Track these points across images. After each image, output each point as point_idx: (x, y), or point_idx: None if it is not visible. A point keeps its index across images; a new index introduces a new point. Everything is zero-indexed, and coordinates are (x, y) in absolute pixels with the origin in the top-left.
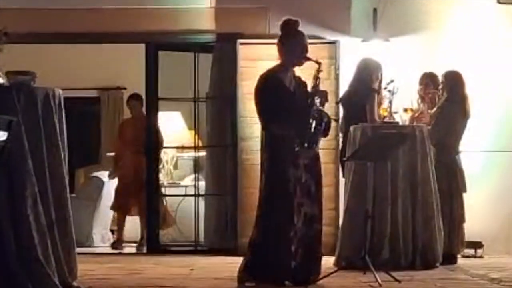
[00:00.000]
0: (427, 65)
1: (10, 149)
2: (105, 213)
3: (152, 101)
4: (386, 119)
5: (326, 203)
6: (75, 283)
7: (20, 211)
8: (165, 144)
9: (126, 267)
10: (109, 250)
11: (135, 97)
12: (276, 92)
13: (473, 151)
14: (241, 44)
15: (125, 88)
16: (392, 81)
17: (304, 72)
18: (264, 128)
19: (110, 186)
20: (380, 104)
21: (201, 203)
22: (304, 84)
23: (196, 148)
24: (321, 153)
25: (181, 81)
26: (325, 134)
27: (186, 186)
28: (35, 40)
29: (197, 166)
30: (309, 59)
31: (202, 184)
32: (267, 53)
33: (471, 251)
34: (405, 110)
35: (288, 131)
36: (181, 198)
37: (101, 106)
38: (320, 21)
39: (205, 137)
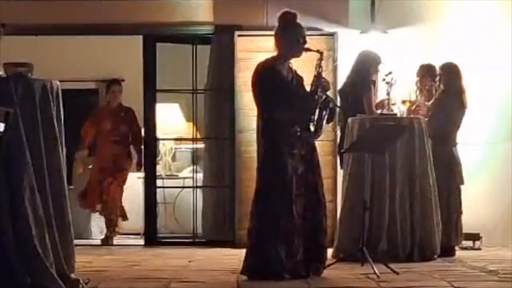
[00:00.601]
0: (425, 56)
1: (8, 141)
2: None
3: (150, 93)
4: (384, 111)
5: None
6: (73, 275)
7: (17, 203)
8: (163, 136)
9: (124, 259)
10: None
11: (118, 82)
12: (274, 80)
13: (471, 143)
14: (239, 36)
15: (123, 80)
16: (390, 72)
17: (305, 64)
18: (263, 116)
19: None
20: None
21: (199, 195)
22: (300, 78)
23: (194, 140)
24: (319, 144)
25: (179, 73)
26: (330, 120)
27: (184, 178)
28: (33, 32)
29: (195, 158)
30: (309, 49)
31: (200, 176)
32: (265, 45)
33: (469, 243)
34: (403, 102)
35: (290, 116)
36: (179, 190)
37: (99, 98)
38: (318, 13)
39: (203, 129)
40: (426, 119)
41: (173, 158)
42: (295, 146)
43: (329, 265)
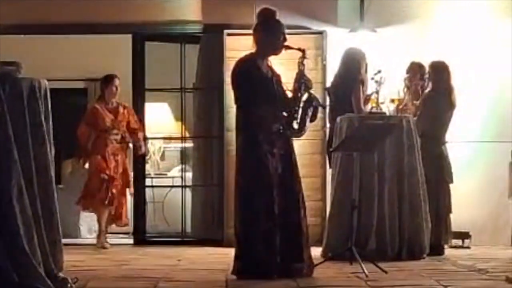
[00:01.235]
0: (414, 55)
1: None
2: None
3: (139, 92)
4: (373, 110)
5: (313, 194)
6: (61, 274)
7: (5, 202)
8: (152, 135)
9: (113, 258)
10: (95, 241)
11: (117, 77)
12: (253, 76)
13: (460, 142)
14: (228, 34)
15: None
16: (379, 71)
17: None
18: (242, 113)
19: None
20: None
21: (188, 194)
22: (278, 76)
23: (183, 139)
24: (307, 143)
25: (168, 72)
26: (313, 118)
27: (173, 177)
28: (22, 31)
29: (184, 157)
30: (289, 47)
31: (189, 175)
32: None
33: (458, 242)
34: (392, 100)
35: (270, 112)
36: (168, 189)
37: (88, 97)
38: (307, 12)
39: (192, 128)
40: (415, 118)
41: (162, 157)
42: (276, 145)
43: (317, 264)
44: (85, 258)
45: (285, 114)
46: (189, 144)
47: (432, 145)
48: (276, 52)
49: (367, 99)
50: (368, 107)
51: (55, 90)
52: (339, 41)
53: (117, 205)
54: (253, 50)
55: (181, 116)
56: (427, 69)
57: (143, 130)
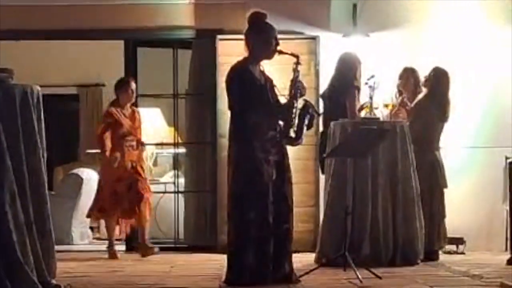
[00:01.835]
0: (407, 60)
1: None
2: (84, 211)
3: None
4: (366, 115)
5: (306, 200)
6: (54, 281)
7: None
8: (144, 141)
9: (105, 264)
10: (88, 247)
11: (133, 80)
12: (247, 82)
13: (454, 147)
14: (221, 40)
15: (104, 85)
16: (372, 76)
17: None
18: (237, 119)
19: (89, 183)
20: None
21: (181, 200)
22: (270, 80)
23: (175, 144)
24: (301, 149)
25: (160, 77)
26: (310, 126)
27: (165, 183)
28: (13, 37)
29: (176, 163)
30: (283, 52)
31: (181, 181)
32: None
33: (452, 247)
34: (386, 105)
35: (264, 119)
36: (160, 195)
37: (80, 103)
38: (299, 17)
39: (184, 133)
40: (408, 123)
41: (155, 163)
42: (271, 151)
43: (311, 270)
44: (77, 265)
45: (281, 122)
46: (181, 150)
47: (425, 150)
48: (268, 56)
49: (362, 108)
50: (362, 114)
51: (46, 96)
52: (332, 46)
53: (138, 212)
54: (246, 55)
55: (173, 122)
56: (421, 73)
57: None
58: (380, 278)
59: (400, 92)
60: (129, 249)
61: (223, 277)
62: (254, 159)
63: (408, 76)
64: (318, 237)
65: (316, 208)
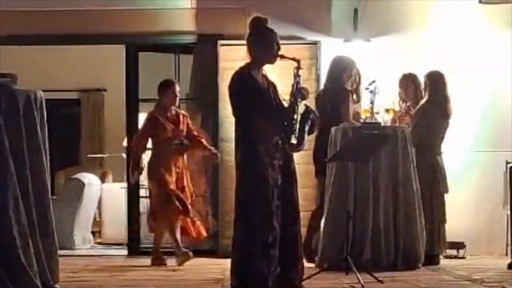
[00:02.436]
0: (408, 65)
1: None
2: (86, 215)
3: (133, 102)
4: (367, 120)
5: (307, 204)
6: (57, 286)
7: (1, 213)
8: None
9: (107, 269)
10: (90, 252)
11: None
12: (251, 89)
13: (455, 151)
14: (222, 45)
15: (105, 90)
16: (373, 81)
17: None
18: (242, 125)
19: (91, 188)
20: (355, 103)
21: None
22: (273, 85)
23: None
24: (301, 153)
25: None
26: (311, 131)
27: None
28: (16, 42)
29: None
30: (284, 57)
31: None
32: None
33: (453, 252)
34: (387, 110)
35: (269, 125)
36: None
37: (81, 108)
38: (300, 22)
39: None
40: (410, 128)
41: None
42: (275, 156)
43: (313, 275)
44: (79, 269)
45: (285, 123)
46: None
47: (427, 155)
48: (270, 61)
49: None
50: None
51: (48, 101)
52: (333, 51)
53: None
54: (248, 60)
55: None
56: (421, 79)
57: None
58: (381, 282)
59: (403, 100)
60: (131, 253)
61: (228, 282)
62: (259, 164)
63: (407, 83)
64: (320, 241)
65: None
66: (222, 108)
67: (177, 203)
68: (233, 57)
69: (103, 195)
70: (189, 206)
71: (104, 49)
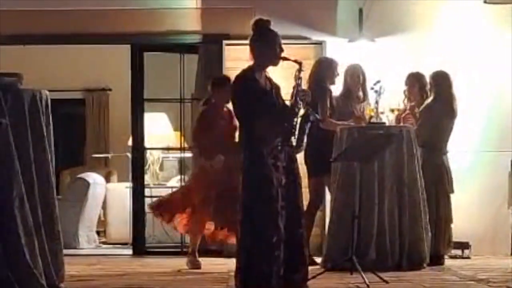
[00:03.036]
0: (413, 65)
1: None
2: (90, 215)
3: (138, 102)
4: (373, 120)
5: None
6: (62, 285)
7: (7, 212)
8: (151, 145)
9: (112, 269)
10: (95, 251)
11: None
12: (254, 91)
13: (460, 151)
14: (227, 45)
15: (110, 90)
16: (378, 81)
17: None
18: (245, 127)
19: (96, 187)
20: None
21: None
22: (276, 87)
23: (181, 149)
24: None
25: (166, 82)
26: (311, 133)
27: (172, 187)
28: (21, 42)
29: (182, 167)
30: (287, 59)
31: None
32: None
33: (458, 252)
34: (392, 110)
35: (272, 127)
36: None
37: (86, 107)
38: (306, 22)
39: (190, 138)
40: (415, 127)
41: (161, 168)
42: (279, 158)
43: (318, 275)
44: (84, 269)
45: (289, 127)
46: (188, 154)
47: (432, 155)
48: (273, 63)
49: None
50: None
51: (53, 100)
52: (338, 51)
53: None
54: (251, 62)
55: (180, 126)
56: (427, 78)
57: None
58: (387, 282)
59: (408, 99)
60: (136, 253)
61: (233, 282)
62: (263, 165)
63: (413, 82)
64: (325, 241)
65: (322, 212)
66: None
67: (208, 209)
68: (238, 57)
69: (108, 194)
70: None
71: (109, 48)
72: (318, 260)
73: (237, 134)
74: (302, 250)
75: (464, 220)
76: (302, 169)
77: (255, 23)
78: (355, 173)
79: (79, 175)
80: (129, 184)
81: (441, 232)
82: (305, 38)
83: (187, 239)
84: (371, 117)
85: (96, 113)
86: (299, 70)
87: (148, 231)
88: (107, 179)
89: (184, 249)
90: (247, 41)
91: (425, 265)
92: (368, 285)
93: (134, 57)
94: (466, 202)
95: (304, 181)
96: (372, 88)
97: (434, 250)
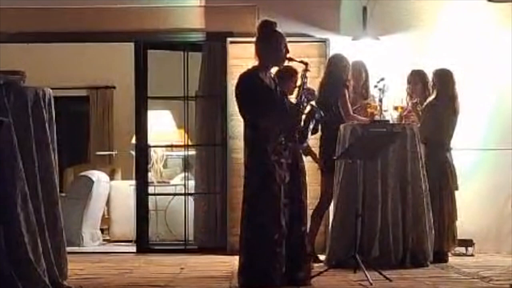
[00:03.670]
0: (417, 63)
1: (0, 148)
2: (94, 212)
3: (142, 100)
4: (376, 117)
5: (315, 202)
6: (65, 283)
7: (10, 210)
8: (155, 143)
9: (116, 266)
10: (99, 249)
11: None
12: (257, 89)
13: (465, 149)
14: (231, 42)
15: (114, 87)
16: (382, 79)
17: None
18: (249, 125)
19: (100, 185)
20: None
21: (191, 202)
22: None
23: (185, 146)
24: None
25: (170, 80)
26: (315, 131)
27: (175, 185)
28: (24, 40)
29: (186, 165)
30: (292, 59)
31: (191, 183)
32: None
33: (462, 249)
34: (396, 108)
35: (276, 125)
36: (170, 197)
37: (90, 105)
38: (309, 20)
39: (194, 135)
40: (418, 125)
41: (165, 165)
42: (283, 155)
43: (321, 272)
44: (88, 266)
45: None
46: (191, 152)
47: (436, 151)
48: (278, 64)
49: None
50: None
51: (57, 98)
52: (342, 49)
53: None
54: (256, 62)
55: (183, 124)
56: (430, 76)
57: None
58: (390, 280)
59: (410, 96)
60: (139, 250)
61: (236, 280)
62: (266, 162)
63: (415, 80)
64: (328, 239)
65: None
66: (231, 105)
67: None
68: (242, 54)
69: (112, 192)
70: None
71: (113, 46)
72: (322, 257)
73: None
74: (305, 247)
75: (468, 218)
76: (309, 167)
77: (260, 25)
78: (358, 171)
79: (83, 173)
80: (133, 181)
81: (445, 229)
82: (309, 36)
83: (191, 237)
84: (373, 114)
85: (100, 110)
86: (305, 70)
87: (151, 229)
88: (111, 177)
89: (187, 247)
90: (251, 39)
91: (428, 262)
92: (371, 283)
93: (138, 55)
94: (470, 200)
95: (317, 178)
96: (375, 86)
97: (437, 247)
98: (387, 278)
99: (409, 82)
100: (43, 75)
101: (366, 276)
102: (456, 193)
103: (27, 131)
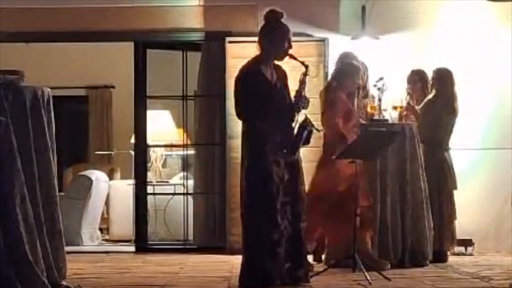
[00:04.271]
0: (416, 62)
1: None
2: (93, 212)
3: (141, 99)
4: (375, 117)
5: None
6: (64, 282)
7: (8, 210)
8: (154, 142)
9: (115, 266)
10: (97, 248)
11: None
12: (257, 85)
13: (464, 149)
14: (230, 42)
15: (113, 87)
16: (381, 78)
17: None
18: (247, 123)
19: (99, 185)
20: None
21: (190, 201)
22: (284, 74)
23: (184, 146)
24: (309, 151)
25: (169, 79)
26: (307, 142)
27: (174, 185)
28: (23, 39)
29: (185, 165)
30: (294, 58)
31: (190, 182)
32: (255, 51)
33: (461, 249)
34: (395, 107)
35: (273, 122)
36: (169, 196)
37: (89, 104)
38: (308, 19)
39: (193, 135)
40: (417, 124)
41: (164, 165)
42: (281, 154)
43: (320, 272)
44: (87, 266)
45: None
46: (191, 152)
47: (434, 151)
48: (279, 57)
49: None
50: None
51: (56, 98)
52: (341, 48)
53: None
54: (258, 53)
55: (182, 124)
56: (429, 75)
57: None
58: (389, 279)
59: (411, 96)
60: (138, 250)
61: (235, 280)
62: (264, 161)
63: (415, 79)
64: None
65: None
66: (230, 105)
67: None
68: (241, 54)
69: (111, 192)
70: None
71: (112, 46)
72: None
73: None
74: (302, 246)
75: (467, 217)
76: (306, 166)
77: (267, 14)
78: (357, 170)
79: (82, 172)
80: (132, 181)
81: (444, 228)
82: (308, 35)
83: (190, 236)
84: (372, 114)
85: (99, 110)
86: (305, 74)
87: (150, 228)
88: (110, 176)
89: (187, 246)
90: (250, 38)
91: (427, 262)
92: (370, 283)
93: (137, 55)
94: (469, 200)
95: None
96: (375, 85)
97: (437, 247)
98: (386, 278)
99: (409, 82)
100: (42, 75)
101: (365, 275)
102: (455, 192)
103: (26, 131)
